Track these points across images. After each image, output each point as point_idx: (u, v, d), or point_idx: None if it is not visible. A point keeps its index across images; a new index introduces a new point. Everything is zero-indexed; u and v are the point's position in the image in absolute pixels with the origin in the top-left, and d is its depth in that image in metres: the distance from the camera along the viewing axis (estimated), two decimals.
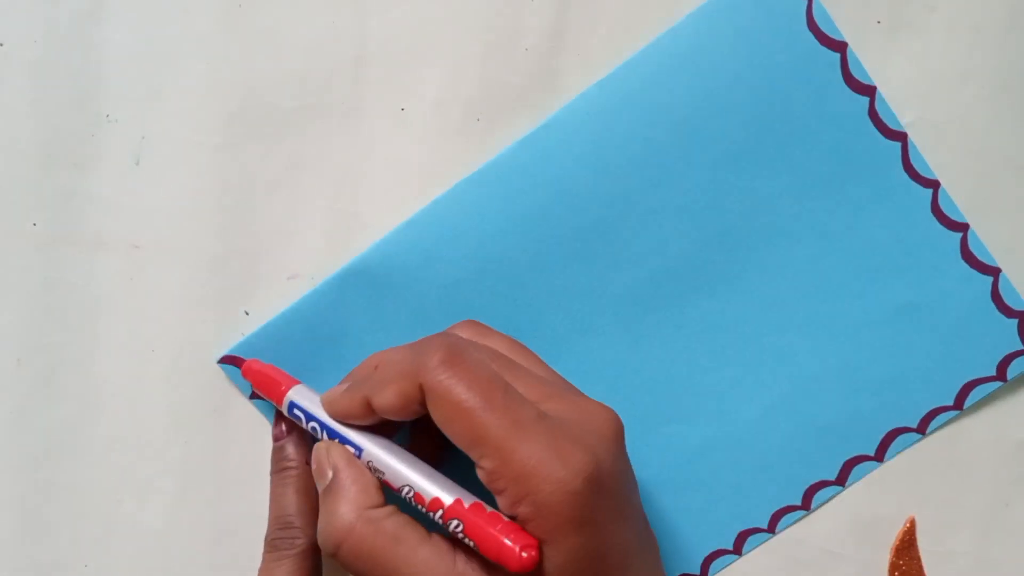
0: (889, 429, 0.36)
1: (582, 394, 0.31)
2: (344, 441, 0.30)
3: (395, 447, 0.30)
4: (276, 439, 0.35)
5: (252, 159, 0.35)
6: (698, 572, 0.36)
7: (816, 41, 0.34)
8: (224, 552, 0.36)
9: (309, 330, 0.35)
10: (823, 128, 0.34)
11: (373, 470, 0.30)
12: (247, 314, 0.35)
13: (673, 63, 0.34)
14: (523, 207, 0.34)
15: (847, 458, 0.36)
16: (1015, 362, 0.35)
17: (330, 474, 0.30)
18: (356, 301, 0.35)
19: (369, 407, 0.29)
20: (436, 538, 0.28)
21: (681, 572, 0.36)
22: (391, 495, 0.29)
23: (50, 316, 0.35)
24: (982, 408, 0.36)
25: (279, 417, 0.35)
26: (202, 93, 0.35)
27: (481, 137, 0.35)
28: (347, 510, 0.28)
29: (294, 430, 0.34)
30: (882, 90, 0.34)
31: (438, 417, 0.27)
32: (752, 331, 0.35)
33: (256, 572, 0.33)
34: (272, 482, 0.34)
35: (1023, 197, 0.35)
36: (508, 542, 0.26)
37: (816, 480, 0.36)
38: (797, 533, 0.36)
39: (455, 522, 0.27)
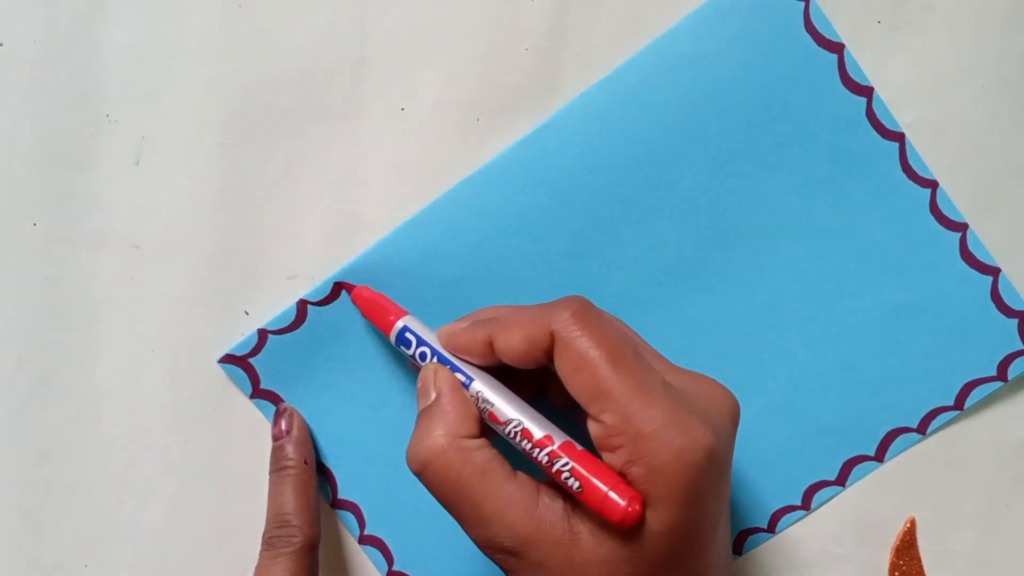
0: (889, 429, 0.36)
1: (701, 373, 0.31)
2: (455, 370, 0.30)
3: (503, 386, 0.30)
4: (276, 439, 0.35)
5: (252, 159, 0.35)
6: None
7: (813, 42, 0.34)
8: (224, 552, 0.36)
9: (311, 332, 0.35)
10: (821, 129, 0.34)
11: (479, 402, 0.29)
12: (247, 314, 0.35)
13: (672, 64, 0.34)
14: (523, 207, 0.34)
15: (847, 458, 0.36)
16: (1015, 362, 0.35)
17: (433, 395, 0.30)
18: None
19: (489, 347, 0.29)
20: (522, 477, 0.28)
21: None
22: (488, 433, 0.30)
23: (50, 316, 0.35)
24: (982, 408, 0.36)
25: (279, 417, 0.35)
26: (202, 93, 0.35)
27: (481, 137, 0.35)
28: (442, 433, 0.28)
29: (293, 429, 0.35)
30: (882, 90, 0.34)
31: (564, 367, 0.27)
32: (751, 331, 0.35)
33: (254, 571, 0.33)
34: (271, 481, 0.34)
35: (1022, 197, 0.35)
36: (613, 494, 0.26)
37: (816, 480, 0.36)
38: (797, 533, 0.36)
39: (563, 460, 0.27)
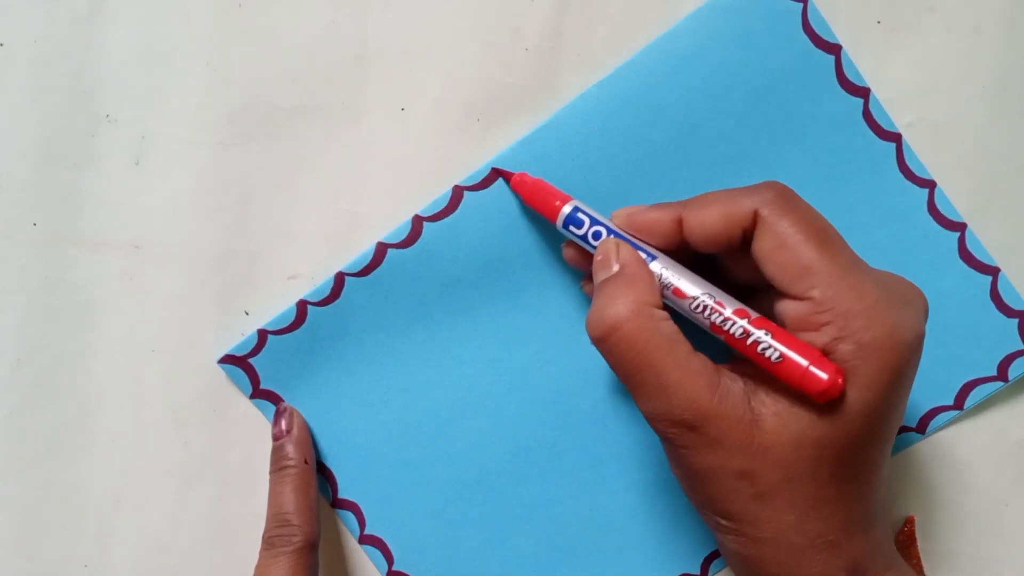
0: None
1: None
2: (635, 247, 0.30)
3: (681, 265, 0.30)
4: (276, 439, 0.35)
5: (252, 159, 0.35)
6: (698, 572, 0.36)
7: (811, 43, 0.34)
8: (224, 552, 0.36)
9: (311, 332, 0.35)
10: (818, 129, 0.34)
11: (661, 277, 0.29)
12: (247, 314, 0.35)
13: (671, 64, 0.34)
14: (523, 207, 0.34)
15: None
16: (1016, 362, 0.35)
17: (616, 266, 0.29)
18: (356, 301, 0.35)
19: (676, 225, 0.29)
20: (702, 355, 0.28)
21: (681, 572, 0.36)
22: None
23: (50, 316, 0.35)
24: (982, 408, 0.36)
25: (279, 416, 0.35)
26: (202, 93, 0.35)
27: (481, 137, 0.35)
28: (631, 299, 0.28)
29: (293, 429, 0.35)
30: (881, 90, 0.35)
31: (766, 245, 0.27)
32: None
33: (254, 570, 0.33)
34: (271, 480, 0.34)
35: (1022, 197, 0.35)
36: (815, 368, 0.25)
37: None
38: None
39: (762, 331, 0.27)
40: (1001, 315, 0.35)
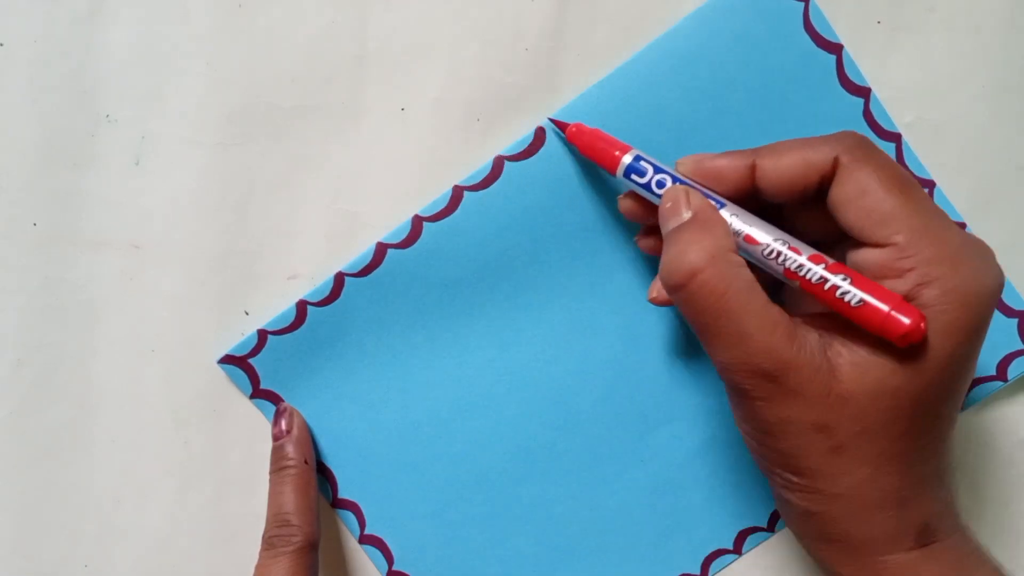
0: None
1: None
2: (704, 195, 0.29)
3: (751, 213, 0.29)
4: (276, 439, 0.35)
5: (252, 159, 0.35)
6: (698, 572, 0.36)
7: (812, 43, 0.34)
8: (224, 552, 0.36)
9: (311, 332, 0.35)
10: (819, 129, 0.34)
11: (732, 224, 0.28)
12: (247, 314, 0.35)
13: (672, 64, 0.34)
14: (523, 207, 0.34)
15: None
16: (1015, 362, 0.35)
17: (687, 214, 0.28)
18: (356, 301, 0.35)
19: (748, 172, 0.29)
20: (777, 304, 0.27)
21: (681, 572, 0.36)
22: None
23: (50, 316, 0.35)
24: (982, 408, 0.36)
25: (279, 416, 0.35)
26: (202, 93, 0.35)
27: (481, 137, 0.35)
28: (709, 245, 0.27)
29: (293, 429, 0.35)
30: (882, 90, 0.35)
31: (847, 192, 0.27)
32: None
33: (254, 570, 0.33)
34: (271, 481, 0.34)
35: (1022, 197, 0.35)
36: (896, 313, 0.25)
37: None
38: None
39: (839, 277, 0.26)
40: (1000, 315, 0.35)
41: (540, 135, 0.34)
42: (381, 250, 0.35)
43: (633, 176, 0.30)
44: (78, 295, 0.35)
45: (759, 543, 0.36)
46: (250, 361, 0.35)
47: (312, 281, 0.35)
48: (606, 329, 0.35)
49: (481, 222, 0.34)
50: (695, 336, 0.35)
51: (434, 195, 0.35)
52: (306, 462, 0.34)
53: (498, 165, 0.34)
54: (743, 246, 0.28)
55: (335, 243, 0.35)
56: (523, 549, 0.36)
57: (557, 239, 0.35)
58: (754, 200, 0.29)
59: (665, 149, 0.34)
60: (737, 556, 0.37)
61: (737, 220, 0.28)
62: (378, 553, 0.36)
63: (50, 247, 0.35)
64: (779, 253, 0.27)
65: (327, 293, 0.35)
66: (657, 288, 0.31)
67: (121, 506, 0.36)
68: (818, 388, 0.26)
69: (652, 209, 0.31)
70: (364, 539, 0.36)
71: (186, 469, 0.36)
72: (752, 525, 0.36)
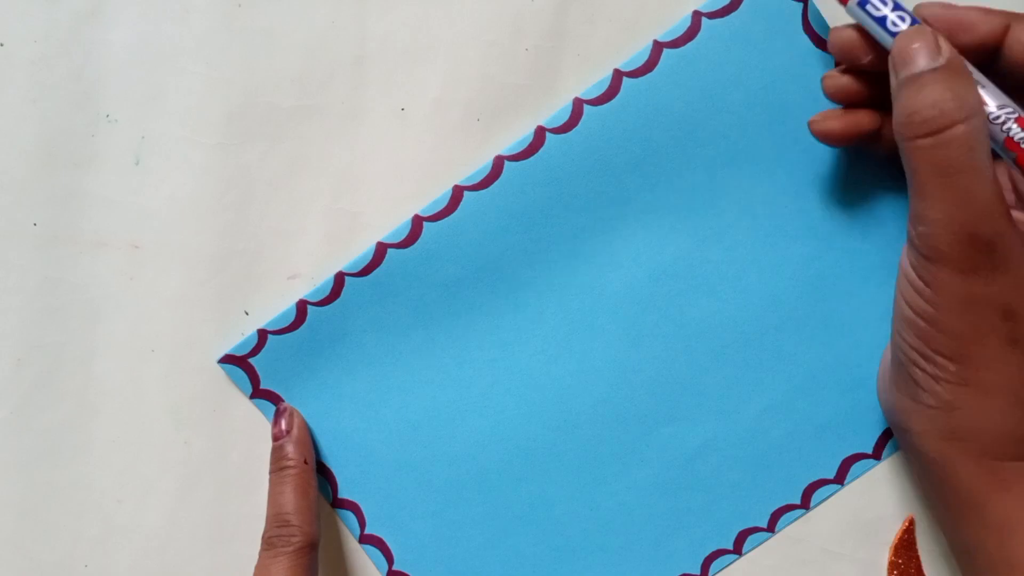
0: (887, 426, 0.36)
1: None
2: None
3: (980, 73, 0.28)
4: (276, 439, 0.35)
5: (252, 159, 0.35)
6: (698, 572, 0.36)
7: (811, 43, 0.34)
8: (224, 552, 0.36)
9: (311, 332, 0.35)
10: None
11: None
12: (247, 314, 0.35)
13: (671, 64, 0.34)
14: (523, 207, 0.34)
15: (845, 456, 0.36)
16: None
17: (942, 59, 0.26)
18: (356, 301, 0.35)
19: (1001, 33, 0.27)
20: None
21: (681, 572, 0.36)
22: None
23: (50, 316, 0.35)
24: None
25: (279, 416, 0.35)
26: (202, 93, 0.35)
27: (481, 137, 0.35)
28: (968, 97, 0.25)
29: (293, 429, 0.35)
30: None
31: None
32: (750, 330, 0.35)
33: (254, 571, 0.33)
34: (271, 481, 0.34)
35: None
36: None
37: (815, 479, 0.36)
38: (796, 532, 0.36)
39: None
40: None
41: (540, 135, 0.34)
42: (381, 250, 0.35)
43: (868, 7, 0.28)
44: (78, 295, 0.35)
45: (759, 543, 0.37)
46: (250, 361, 0.35)
47: (312, 281, 0.35)
48: (606, 329, 0.35)
49: (481, 222, 0.35)
50: (695, 336, 0.35)
51: (434, 195, 0.35)
52: (306, 462, 0.34)
53: (498, 165, 0.34)
54: None
55: (335, 243, 0.35)
56: (523, 549, 0.36)
57: (557, 239, 0.35)
58: (993, 68, 0.27)
59: (665, 149, 0.34)
60: (737, 556, 0.37)
61: (976, 75, 0.27)
62: (378, 553, 0.36)
63: (50, 247, 0.35)
64: (1005, 120, 0.26)
65: (327, 293, 0.35)
66: (836, 118, 0.30)
67: (121, 506, 0.36)
68: (1022, 271, 0.25)
69: (867, 47, 0.29)
70: (364, 539, 0.36)
71: (186, 469, 0.36)
72: (752, 525, 0.36)
